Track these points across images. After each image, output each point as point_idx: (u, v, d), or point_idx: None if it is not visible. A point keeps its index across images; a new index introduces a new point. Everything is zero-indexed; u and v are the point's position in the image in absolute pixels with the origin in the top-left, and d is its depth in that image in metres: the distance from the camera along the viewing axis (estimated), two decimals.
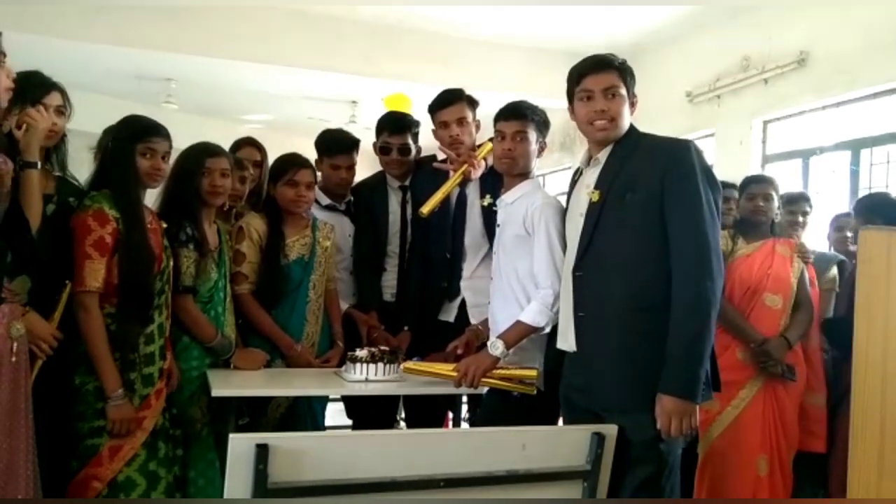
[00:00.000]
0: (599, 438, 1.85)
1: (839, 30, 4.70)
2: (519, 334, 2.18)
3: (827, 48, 4.79)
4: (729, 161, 5.45)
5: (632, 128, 2.06)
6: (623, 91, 2.00)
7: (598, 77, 1.99)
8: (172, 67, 7.03)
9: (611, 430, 1.87)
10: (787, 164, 5.30)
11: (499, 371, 2.19)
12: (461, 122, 2.77)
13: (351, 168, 3.00)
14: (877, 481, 1.34)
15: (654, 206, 1.90)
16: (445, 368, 2.28)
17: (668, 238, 1.89)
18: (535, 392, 2.21)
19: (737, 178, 3.33)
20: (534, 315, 2.17)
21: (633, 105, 2.05)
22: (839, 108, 4.90)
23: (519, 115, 2.31)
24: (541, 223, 2.22)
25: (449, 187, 2.59)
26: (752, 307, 2.91)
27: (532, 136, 2.30)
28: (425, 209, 2.55)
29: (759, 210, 2.98)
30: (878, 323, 1.65)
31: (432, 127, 2.87)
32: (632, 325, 1.92)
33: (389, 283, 3.01)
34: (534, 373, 2.19)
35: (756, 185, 3.03)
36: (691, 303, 1.84)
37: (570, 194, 2.21)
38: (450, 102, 2.80)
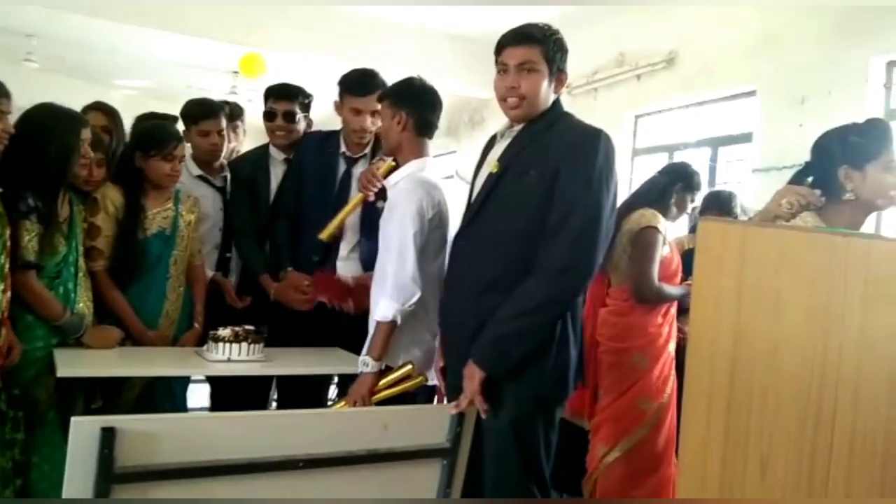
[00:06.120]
0: (459, 417, 1.89)
1: (705, 33, 4.99)
2: (380, 337, 2.11)
3: (693, 49, 5.08)
4: None
5: (555, 105, 1.96)
6: (542, 67, 1.88)
7: (516, 50, 1.87)
8: (34, 22, 6.46)
9: (471, 408, 1.91)
10: (654, 158, 5.60)
11: (382, 382, 2.13)
12: (374, 113, 2.58)
13: (220, 133, 2.90)
14: (700, 485, 1.40)
15: (546, 191, 1.82)
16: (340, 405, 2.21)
17: (548, 223, 1.82)
18: (426, 381, 2.17)
19: None
20: (382, 311, 2.11)
21: (560, 82, 1.94)
22: (702, 106, 5.22)
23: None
24: (395, 211, 2.15)
25: (346, 213, 2.53)
26: None
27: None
28: (324, 235, 2.50)
29: None
30: (710, 310, 1.74)
31: (336, 99, 2.70)
32: (488, 306, 1.87)
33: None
34: (408, 367, 2.13)
35: None
36: (543, 287, 1.80)
37: (479, 163, 2.09)
38: (367, 92, 2.57)
